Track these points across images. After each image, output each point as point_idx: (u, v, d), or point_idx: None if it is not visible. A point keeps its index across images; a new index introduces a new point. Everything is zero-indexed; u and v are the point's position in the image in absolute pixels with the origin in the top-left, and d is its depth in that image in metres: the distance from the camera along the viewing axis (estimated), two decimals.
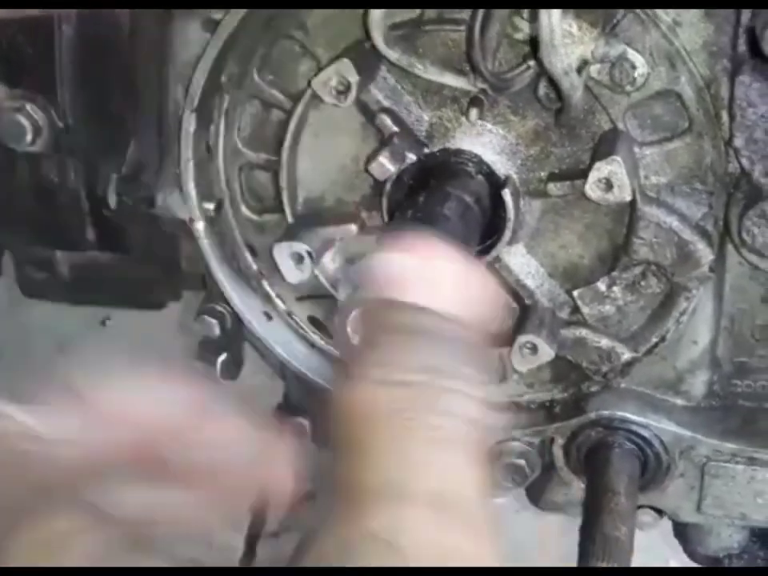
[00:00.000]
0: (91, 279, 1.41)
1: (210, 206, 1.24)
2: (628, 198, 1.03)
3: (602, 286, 1.16)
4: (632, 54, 1.00)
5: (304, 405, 1.34)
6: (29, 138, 1.22)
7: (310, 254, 1.16)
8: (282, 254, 1.17)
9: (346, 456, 0.56)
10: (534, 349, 1.15)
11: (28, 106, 1.21)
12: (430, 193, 1.09)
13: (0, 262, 1.49)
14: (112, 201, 1.24)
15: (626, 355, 1.19)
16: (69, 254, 1.39)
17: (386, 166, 1.09)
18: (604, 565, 1.08)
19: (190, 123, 1.17)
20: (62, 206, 1.30)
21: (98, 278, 1.41)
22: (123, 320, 2.52)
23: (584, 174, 1.05)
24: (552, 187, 1.09)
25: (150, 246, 1.34)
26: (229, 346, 1.36)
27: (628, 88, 1.02)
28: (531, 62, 1.01)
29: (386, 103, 1.12)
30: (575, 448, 1.24)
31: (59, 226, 1.33)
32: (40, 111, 1.22)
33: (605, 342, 1.19)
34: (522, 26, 0.99)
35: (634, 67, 1.00)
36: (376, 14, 1.00)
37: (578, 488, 1.27)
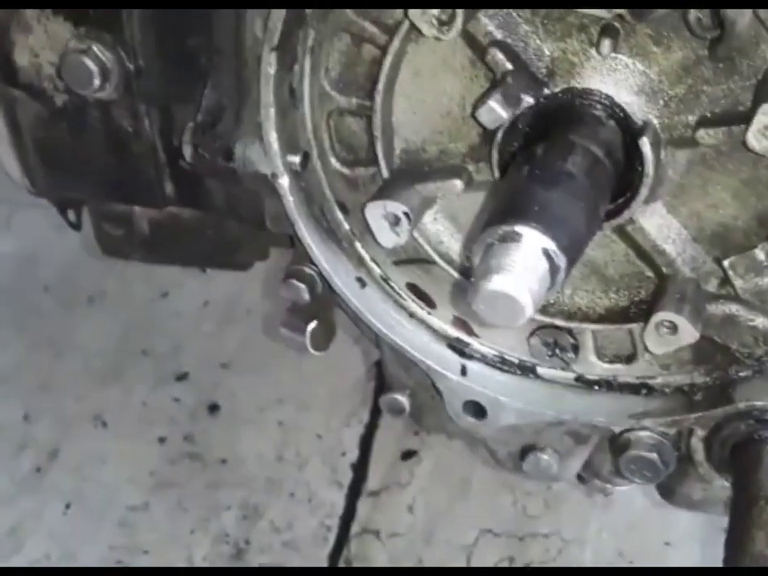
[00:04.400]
0: (172, 237, 1.30)
1: (296, 158, 1.09)
2: None
3: (760, 253, 0.97)
4: None
5: (401, 379, 1.20)
6: (97, 82, 1.10)
7: (407, 214, 1.01)
8: (376, 214, 1.02)
9: None
10: (674, 328, 0.97)
11: (95, 47, 1.09)
12: (550, 143, 0.91)
13: (80, 215, 1.40)
14: (187, 153, 1.10)
15: None
16: (147, 209, 1.28)
17: (497, 111, 0.91)
18: None
19: (270, 63, 1.01)
20: (137, 157, 1.19)
21: (180, 235, 1.30)
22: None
23: (745, 119, 0.86)
24: (703, 134, 0.90)
25: (231, 202, 1.20)
26: (319, 312, 1.23)
27: None
28: None
29: (499, 35, 0.94)
30: (719, 442, 1.06)
31: (135, 179, 1.21)
32: (108, 52, 1.10)
33: (761, 321, 1.00)
34: None
35: None
36: None
37: (720, 486, 1.10)
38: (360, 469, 2.11)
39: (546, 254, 0.80)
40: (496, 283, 0.78)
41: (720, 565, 0.97)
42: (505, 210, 0.83)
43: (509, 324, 0.80)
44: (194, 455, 2.14)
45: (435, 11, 0.88)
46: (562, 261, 0.80)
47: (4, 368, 2.21)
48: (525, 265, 0.79)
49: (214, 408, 2.23)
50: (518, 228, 0.80)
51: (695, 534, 1.91)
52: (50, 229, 2.34)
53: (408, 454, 2.11)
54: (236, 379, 2.26)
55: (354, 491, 2.08)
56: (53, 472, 2.07)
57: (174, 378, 2.26)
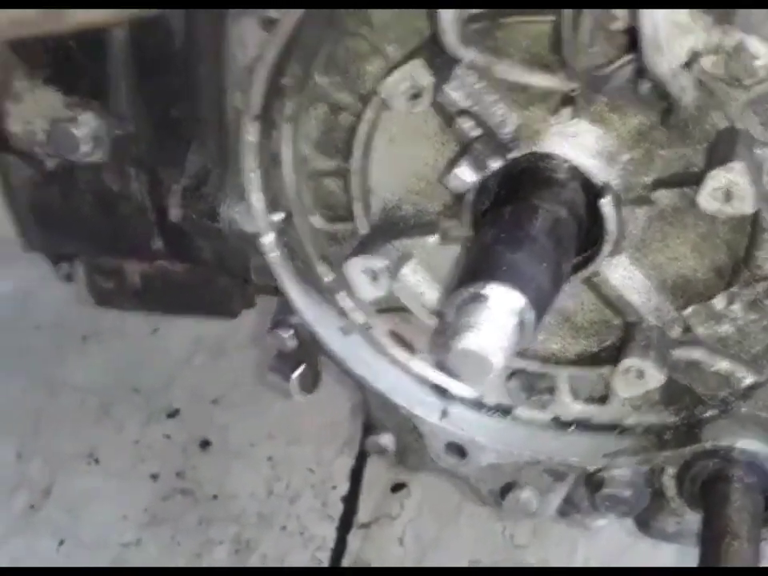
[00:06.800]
0: (163, 288, 1.35)
1: (278, 217, 1.14)
2: (750, 211, 0.89)
3: (718, 303, 1.01)
4: (752, 43, 0.84)
5: (385, 421, 1.25)
6: (84, 149, 1.15)
7: (386, 269, 1.06)
8: (355, 269, 1.06)
9: None
10: (641, 374, 1.02)
11: (81, 116, 1.14)
12: (516, 206, 0.96)
13: (72, 267, 1.44)
14: (174, 214, 1.16)
15: (749, 380, 1.04)
16: (138, 262, 1.33)
17: (462, 178, 0.96)
18: None
19: (250, 132, 1.06)
20: (126, 216, 1.24)
21: (169, 286, 1.34)
22: None
23: (696, 180, 0.91)
24: (659, 195, 0.95)
25: (219, 256, 1.25)
26: (305, 357, 1.27)
27: (748, 81, 0.86)
28: (631, 55, 0.87)
29: (465, 104, 0.99)
30: (689, 479, 1.10)
31: (125, 236, 1.26)
32: (97, 119, 1.15)
33: (723, 365, 1.04)
34: (620, 15, 0.84)
35: (754, 57, 0.85)
36: (447, 14, 0.87)
37: (692, 519, 1.14)
38: (350, 502, 2.12)
39: (515, 311, 0.85)
40: (466, 342, 0.83)
41: None
42: (474, 270, 0.88)
43: (479, 380, 0.85)
44: (186, 491, 2.13)
45: (404, 87, 0.93)
46: (530, 316, 0.85)
47: None
48: (494, 323, 0.83)
49: (205, 444, 2.23)
50: (487, 287, 0.85)
51: (682, 559, 1.92)
52: (42, 268, 2.36)
53: (398, 487, 2.11)
54: (227, 415, 2.25)
55: (345, 524, 2.08)
56: (46, 509, 2.05)
57: (165, 415, 2.24)
